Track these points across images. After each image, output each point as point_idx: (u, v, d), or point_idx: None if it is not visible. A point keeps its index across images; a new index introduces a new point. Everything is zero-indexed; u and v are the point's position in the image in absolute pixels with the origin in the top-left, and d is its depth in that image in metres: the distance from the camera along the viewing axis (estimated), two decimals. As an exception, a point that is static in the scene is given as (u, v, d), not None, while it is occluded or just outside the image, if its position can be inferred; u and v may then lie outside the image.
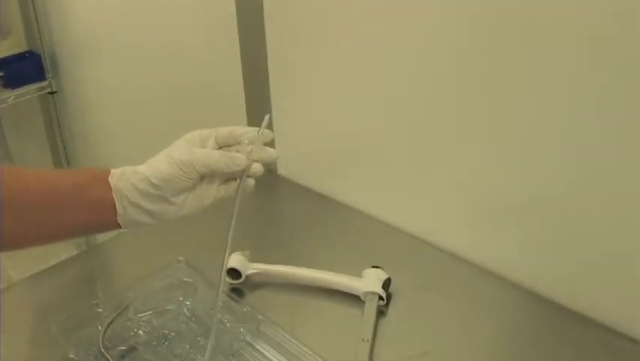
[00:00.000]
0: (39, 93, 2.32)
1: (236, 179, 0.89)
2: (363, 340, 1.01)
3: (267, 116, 0.91)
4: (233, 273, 1.14)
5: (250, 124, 0.94)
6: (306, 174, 1.50)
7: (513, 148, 1.09)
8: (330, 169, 1.45)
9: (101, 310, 1.04)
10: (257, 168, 0.89)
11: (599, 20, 0.92)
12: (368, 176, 1.36)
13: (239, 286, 1.15)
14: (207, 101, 1.70)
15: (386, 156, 1.31)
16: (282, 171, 1.55)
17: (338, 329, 1.07)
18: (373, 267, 1.14)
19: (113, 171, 0.85)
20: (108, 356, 0.97)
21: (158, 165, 0.84)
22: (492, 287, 1.15)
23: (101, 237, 1.25)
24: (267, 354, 0.99)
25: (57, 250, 1.35)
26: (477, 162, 1.16)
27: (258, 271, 1.15)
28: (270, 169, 1.54)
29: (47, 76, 2.30)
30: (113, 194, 0.83)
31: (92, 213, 0.84)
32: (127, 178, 0.84)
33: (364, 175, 1.37)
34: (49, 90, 2.33)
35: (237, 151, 0.89)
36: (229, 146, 0.90)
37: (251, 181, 0.89)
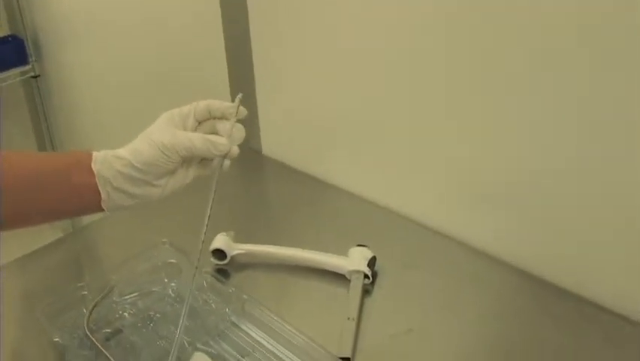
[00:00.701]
0: (22, 77, 2.31)
1: (213, 159, 0.89)
2: (348, 318, 1.01)
3: (239, 95, 0.91)
4: (218, 254, 1.14)
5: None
6: (291, 155, 1.50)
7: (497, 127, 1.09)
8: (315, 149, 1.45)
9: (85, 293, 1.03)
10: (235, 150, 0.89)
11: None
12: (353, 156, 1.36)
13: (224, 266, 1.15)
14: (191, 84, 1.69)
15: (371, 135, 1.31)
16: (266, 150, 1.55)
17: (324, 308, 1.07)
18: (359, 245, 1.14)
19: (94, 155, 0.84)
20: (93, 339, 0.96)
21: (140, 149, 0.84)
22: (477, 265, 1.16)
23: (86, 219, 1.24)
24: (253, 334, 0.99)
25: (42, 233, 1.35)
26: (461, 141, 1.15)
27: (243, 251, 1.15)
28: (254, 149, 1.53)
29: (30, 60, 2.29)
30: (97, 180, 0.83)
31: (75, 198, 0.84)
32: (110, 163, 0.83)
33: (349, 155, 1.37)
34: (32, 74, 2.31)
35: (214, 127, 0.89)
36: (206, 120, 0.90)
37: (227, 162, 0.89)
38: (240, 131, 0.90)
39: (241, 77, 1.50)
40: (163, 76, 1.78)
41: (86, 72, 2.13)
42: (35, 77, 2.32)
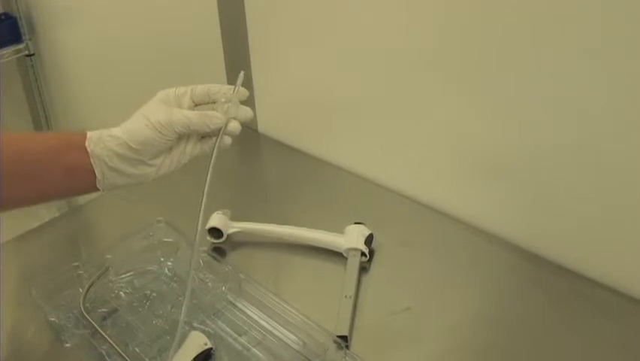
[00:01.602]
0: (16, 56, 2.29)
1: (212, 137, 0.88)
2: (346, 296, 1.01)
3: (241, 73, 0.90)
4: (215, 232, 1.14)
5: (230, 82, 0.93)
6: (286, 132, 1.49)
7: (496, 103, 1.08)
8: (310, 126, 1.44)
9: (81, 272, 1.03)
10: (234, 126, 0.88)
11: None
12: (349, 132, 1.35)
13: (220, 245, 1.14)
14: (186, 60, 1.68)
15: (367, 112, 1.30)
16: (262, 128, 1.54)
17: (320, 286, 1.07)
18: (356, 223, 1.13)
19: (89, 134, 0.84)
20: (89, 319, 0.96)
21: (135, 128, 0.83)
22: (475, 242, 1.15)
23: (81, 199, 1.23)
24: (249, 312, 0.99)
25: (38, 212, 1.35)
26: (459, 117, 1.15)
27: (239, 229, 1.15)
28: (250, 127, 1.52)
29: (24, 38, 2.27)
30: (91, 160, 0.82)
31: (69, 179, 0.84)
32: (104, 143, 0.83)
33: (345, 132, 1.36)
34: (26, 53, 2.29)
35: (214, 110, 0.88)
36: (205, 104, 0.90)
37: (227, 139, 0.89)
38: (241, 110, 0.89)
39: (237, 55, 1.49)
40: (157, 53, 1.77)
41: (80, 50, 2.11)
42: (30, 55, 2.30)
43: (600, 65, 0.94)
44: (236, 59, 1.49)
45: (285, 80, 1.44)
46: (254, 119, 1.52)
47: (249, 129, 1.53)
